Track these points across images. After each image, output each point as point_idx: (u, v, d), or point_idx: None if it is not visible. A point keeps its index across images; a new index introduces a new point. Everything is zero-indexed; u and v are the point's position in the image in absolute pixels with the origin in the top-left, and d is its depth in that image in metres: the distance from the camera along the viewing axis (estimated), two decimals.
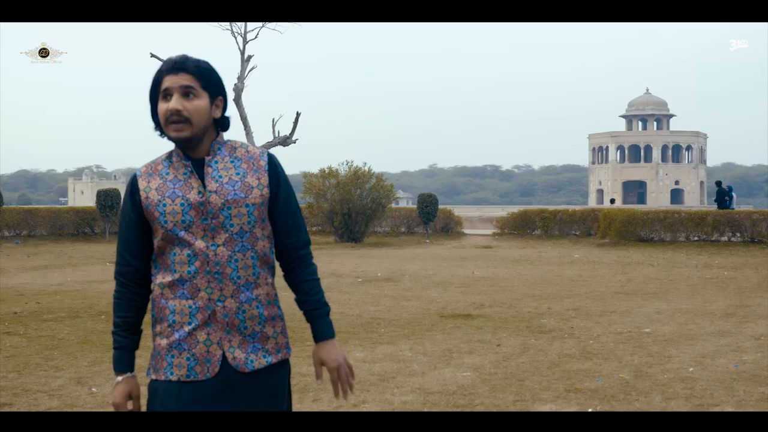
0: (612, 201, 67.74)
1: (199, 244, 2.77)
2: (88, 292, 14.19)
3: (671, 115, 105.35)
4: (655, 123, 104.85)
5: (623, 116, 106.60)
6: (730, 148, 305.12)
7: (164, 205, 2.80)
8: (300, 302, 2.96)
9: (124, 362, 2.87)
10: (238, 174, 2.84)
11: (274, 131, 37.65)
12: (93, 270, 19.11)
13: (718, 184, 33.40)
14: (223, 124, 2.92)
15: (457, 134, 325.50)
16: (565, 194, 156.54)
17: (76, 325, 10.41)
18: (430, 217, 33.52)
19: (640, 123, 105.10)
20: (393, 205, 34.24)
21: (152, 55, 36.69)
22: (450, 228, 35.73)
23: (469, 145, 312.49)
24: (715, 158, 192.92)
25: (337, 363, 2.91)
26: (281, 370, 2.91)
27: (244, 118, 37.78)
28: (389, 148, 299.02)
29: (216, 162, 2.85)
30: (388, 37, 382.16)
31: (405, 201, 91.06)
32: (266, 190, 2.86)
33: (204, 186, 2.80)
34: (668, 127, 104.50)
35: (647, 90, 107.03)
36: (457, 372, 7.69)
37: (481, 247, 28.16)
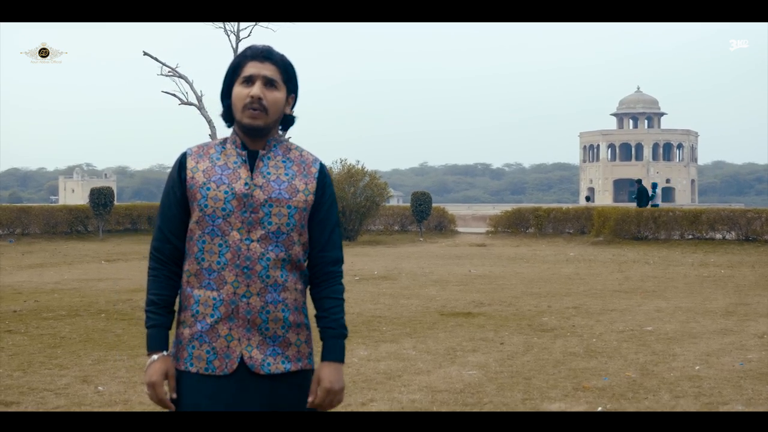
0: (587, 198, 67.89)
1: (234, 236, 2.74)
2: (85, 290, 14.13)
3: (662, 114, 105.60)
4: (646, 121, 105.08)
5: (614, 114, 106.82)
6: (721, 147, 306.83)
7: (208, 189, 2.76)
8: (318, 318, 2.88)
9: (159, 340, 2.79)
10: (287, 174, 2.82)
11: None
12: (88, 268, 19.06)
13: (639, 182, 35.07)
14: (288, 122, 2.91)
15: (448, 132, 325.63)
16: (555, 192, 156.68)
17: (76, 323, 10.36)
18: (424, 215, 33.53)
19: (631, 121, 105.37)
20: (386, 204, 34.25)
21: (145, 53, 36.64)
22: (444, 226, 35.78)
23: (460, 143, 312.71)
24: (705, 156, 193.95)
25: (331, 386, 2.80)
26: (303, 383, 2.82)
27: None
28: (380, 146, 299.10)
29: (268, 158, 2.83)
30: (379, 35, 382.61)
31: (396, 199, 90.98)
32: (311, 197, 2.83)
33: (251, 179, 2.78)
34: (659, 126, 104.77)
35: (638, 88, 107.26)
36: (463, 370, 7.68)
37: (475, 246, 28.18)
